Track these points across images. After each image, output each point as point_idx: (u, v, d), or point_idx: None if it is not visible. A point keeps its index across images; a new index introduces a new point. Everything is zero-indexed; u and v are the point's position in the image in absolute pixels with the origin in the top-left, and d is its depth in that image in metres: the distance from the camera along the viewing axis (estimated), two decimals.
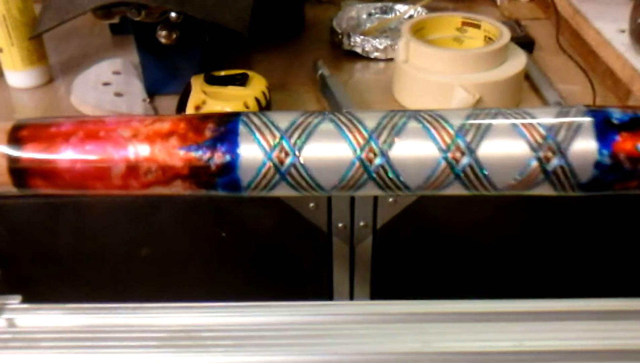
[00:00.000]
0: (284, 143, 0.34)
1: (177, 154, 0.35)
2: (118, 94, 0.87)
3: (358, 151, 0.34)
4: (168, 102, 0.87)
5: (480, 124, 0.35)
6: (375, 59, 0.96)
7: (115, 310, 0.52)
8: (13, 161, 0.36)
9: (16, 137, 0.36)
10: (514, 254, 0.88)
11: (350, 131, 0.35)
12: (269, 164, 0.35)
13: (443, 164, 0.35)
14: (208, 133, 0.35)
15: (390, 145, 0.34)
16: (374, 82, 0.91)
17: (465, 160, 0.34)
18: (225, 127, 0.35)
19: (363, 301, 0.52)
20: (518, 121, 0.35)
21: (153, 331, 0.50)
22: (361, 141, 0.34)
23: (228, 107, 0.77)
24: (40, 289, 0.83)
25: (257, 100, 0.78)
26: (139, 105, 0.85)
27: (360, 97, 0.87)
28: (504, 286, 0.91)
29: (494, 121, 0.35)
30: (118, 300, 0.53)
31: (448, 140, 0.34)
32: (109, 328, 0.51)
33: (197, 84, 0.80)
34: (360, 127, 0.34)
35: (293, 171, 0.35)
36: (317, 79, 0.90)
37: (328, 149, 0.35)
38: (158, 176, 0.36)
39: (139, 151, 0.35)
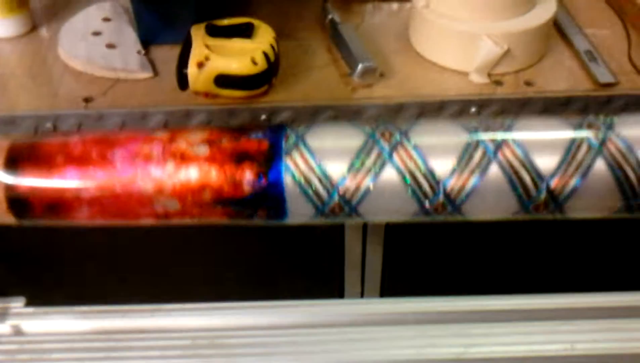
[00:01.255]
0: (338, 200, 0.29)
1: (214, 208, 0.30)
2: (110, 46, 0.79)
3: (427, 206, 0.29)
4: (165, 54, 0.80)
5: (568, 163, 0.29)
6: (388, 0, 0.89)
7: (131, 313, 0.48)
8: (10, 190, 0.31)
9: (14, 164, 0.31)
10: (540, 237, 0.84)
11: (418, 183, 0.29)
12: (321, 218, 0.29)
13: (521, 213, 0.30)
14: (247, 187, 0.29)
15: (462, 200, 0.29)
16: (388, 27, 0.84)
17: (549, 208, 0.29)
18: (267, 181, 0.29)
19: (392, 299, 0.47)
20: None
21: (175, 337, 0.46)
22: (429, 194, 0.29)
23: (234, 64, 0.70)
24: (40, 287, 0.79)
25: (265, 55, 0.72)
26: (133, 58, 0.78)
27: (373, 46, 0.80)
28: (527, 272, 0.88)
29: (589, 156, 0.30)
30: (123, 299, 0.49)
31: (533, 192, 0.29)
32: (125, 333, 0.47)
33: (198, 36, 0.73)
34: (429, 176, 0.29)
35: (347, 219, 0.30)
36: (327, 24, 0.82)
37: (391, 204, 0.29)
38: (194, 223, 0.30)
39: (169, 206, 0.30)
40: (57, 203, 0.30)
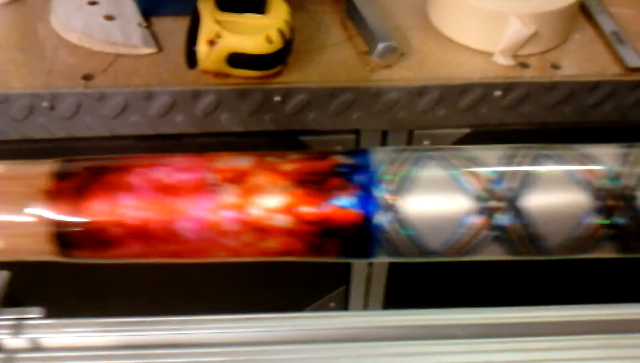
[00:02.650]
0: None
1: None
2: (109, 17, 0.73)
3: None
4: (168, 26, 0.75)
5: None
6: None
7: (160, 325, 0.44)
8: (59, 227, 0.26)
9: (59, 207, 0.26)
10: None
11: (518, 251, 0.25)
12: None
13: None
14: (334, 256, 0.26)
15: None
16: (403, 1, 0.80)
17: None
18: (359, 249, 0.26)
19: (434, 310, 0.45)
20: None
21: (209, 354, 0.43)
22: (526, 255, 0.26)
23: (248, 42, 0.66)
24: (60, 296, 0.74)
25: (281, 32, 0.67)
26: (134, 31, 0.72)
27: (390, 22, 0.76)
28: (539, 289, 0.86)
29: None
30: (146, 309, 0.46)
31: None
32: (155, 347, 0.43)
33: (207, 9, 0.68)
34: (534, 250, 0.26)
35: None
36: None
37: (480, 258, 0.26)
38: None
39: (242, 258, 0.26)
40: (118, 262, 0.26)
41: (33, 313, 0.44)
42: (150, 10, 0.75)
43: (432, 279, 0.90)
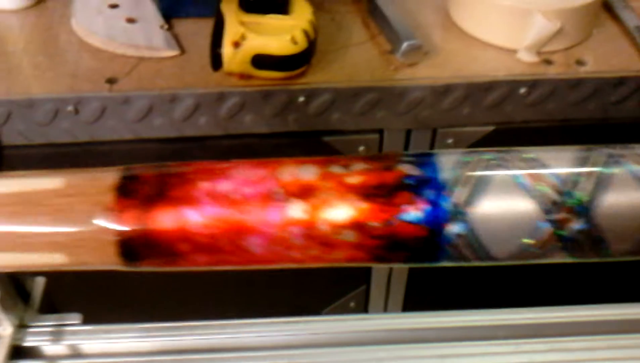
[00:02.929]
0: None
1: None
2: (130, 20, 0.73)
3: None
4: (189, 28, 0.75)
5: None
6: None
7: (199, 329, 0.44)
8: (122, 237, 0.26)
9: (124, 218, 0.26)
10: None
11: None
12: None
13: None
14: (397, 261, 0.26)
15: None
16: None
17: None
18: (424, 259, 0.26)
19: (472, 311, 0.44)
20: None
21: (249, 358, 0.43)
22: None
23: (273, 43, 0.65)
24: (97, 302, 0.74)
25: (306, 33, 0.67)
26: (156, 33, 0.72)
27: (411, 20, 0.75)
28: (561, 291, 0.86)
29: None
30: (183, 314, 0.46)
31: None
32: (195, 352, 0.43)
33: (231, 11, 0.68)
34: (597, 251, 0.25)
35: None
36: None
37: None
38: None
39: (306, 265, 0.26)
40: (181, 270, 0.26)
41: (71, 320, 0.44)
42: (170, 12, 0.75)
43: (453, 279, 0.90)
